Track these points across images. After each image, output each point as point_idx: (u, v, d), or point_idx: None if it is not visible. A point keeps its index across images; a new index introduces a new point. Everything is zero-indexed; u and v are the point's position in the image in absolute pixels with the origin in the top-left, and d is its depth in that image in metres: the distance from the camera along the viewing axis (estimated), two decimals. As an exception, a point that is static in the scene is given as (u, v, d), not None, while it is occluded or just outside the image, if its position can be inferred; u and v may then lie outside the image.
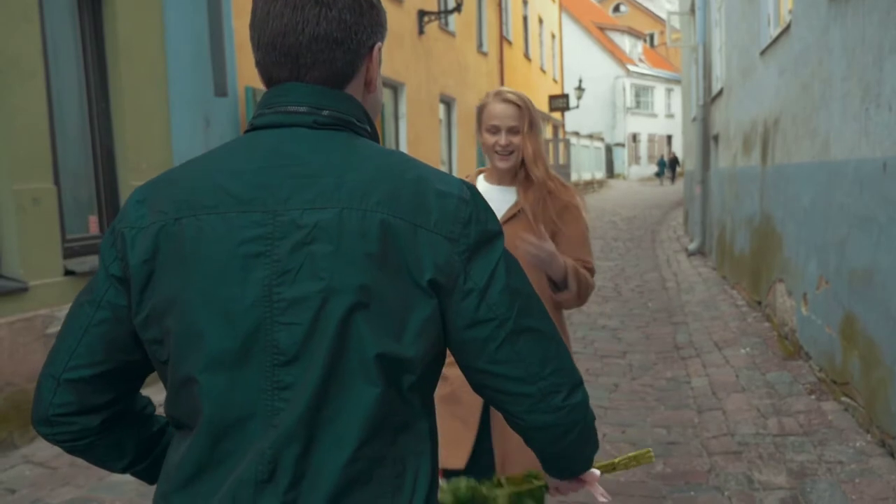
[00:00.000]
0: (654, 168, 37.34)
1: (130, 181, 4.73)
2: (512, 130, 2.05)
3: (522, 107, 2.05)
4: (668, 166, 33.71)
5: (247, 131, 0.99)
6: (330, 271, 0.88)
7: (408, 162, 0.97)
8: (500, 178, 2.14)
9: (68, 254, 4.30)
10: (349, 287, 0.88)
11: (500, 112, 2.06)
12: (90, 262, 4.39)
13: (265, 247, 0.89)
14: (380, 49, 1.02)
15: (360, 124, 0.99)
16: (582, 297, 2.01)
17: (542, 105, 22.98)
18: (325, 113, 0.96)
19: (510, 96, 2.06)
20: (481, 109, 2.11)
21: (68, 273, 4.21)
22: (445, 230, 0.91)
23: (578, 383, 1.00)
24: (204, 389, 0.91)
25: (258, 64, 0.99)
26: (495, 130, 2.06)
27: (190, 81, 5.27)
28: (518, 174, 2.10)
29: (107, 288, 0.97)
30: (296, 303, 0.88)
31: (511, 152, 2.06)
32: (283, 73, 0.97)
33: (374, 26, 1.00)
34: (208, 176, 0.95)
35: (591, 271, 2.07)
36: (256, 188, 0.92)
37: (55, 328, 4.07)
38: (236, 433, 0.91)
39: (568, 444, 1.03)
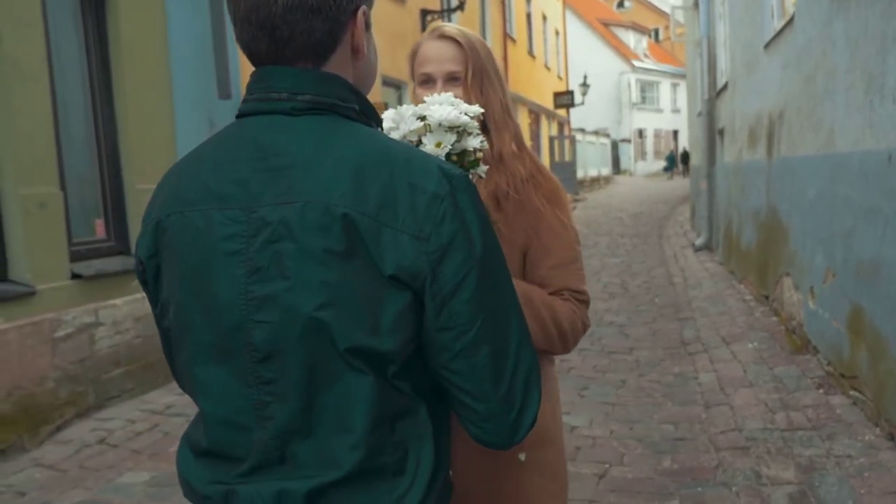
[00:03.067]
0: (660, 164, 37.24)
1: (136, 184, 4.75)
2: (451, 79, 1.45)
3: (465, 44, 1.44)
4: (681, 160, 33.63)
5: (237, 116, 0.97)
6: (294, 270, 0.86)
7: (385, 150, 0.90)
8: None
9: (75, 257, 4.33)
10: (313, 285, 0.86)
11: (435, 53, 1.45)
12: (97, 265, 4.42)
13: (241, 244, 0.89)
14: (364, 13, 0.97)
15: (346, 104, 0.94)
16: (558, 339, 1.39)
17: (547, 102, 22.95)
18: (304, 97, 0.92)
19: (449, 30, 1.47)
20: (413, 56, 1.51)
21: (75, 277, 4.23)
22: (414, 229, 0.85)
23: (531, 405, 0.94)
24: (198, 382, 0.95)
25: (238, 40, 0.95)
26: (428, 81, 1.47)
27: (193, 84, 5.29)
28: None
29: (147, 290, 1.04)
30: (266, 301, 0.88)
31: None
32: (261, 48, 0.93)
33: None
34: (195, 170, 0.96)
35: (584, 303, 1.44)
36: (233, 183, 0.91)
37: (63, 331, 4.09)
38: (234, 425, 0.93)
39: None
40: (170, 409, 4.33)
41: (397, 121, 1.24)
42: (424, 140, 1.23)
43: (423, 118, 1.23)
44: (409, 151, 0.92)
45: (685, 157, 33.37)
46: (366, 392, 0.88)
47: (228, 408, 0.93)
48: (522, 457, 1.41)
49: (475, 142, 1.25)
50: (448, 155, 1.22)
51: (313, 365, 0.88)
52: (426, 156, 0.93)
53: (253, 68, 0.98)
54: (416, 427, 0.93)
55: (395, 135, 1.23)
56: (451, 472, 1.03)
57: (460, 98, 1.36)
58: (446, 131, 1.22)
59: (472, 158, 1.27)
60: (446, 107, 1.24)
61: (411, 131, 1.22)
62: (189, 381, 0.98)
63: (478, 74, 1.45)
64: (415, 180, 0.88)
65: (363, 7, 0.96)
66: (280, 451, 0.91)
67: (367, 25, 0.99)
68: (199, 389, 0.95)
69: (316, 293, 0.86)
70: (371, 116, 0.98)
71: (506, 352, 0.91)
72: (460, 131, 1.23)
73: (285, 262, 0.87)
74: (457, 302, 0.87)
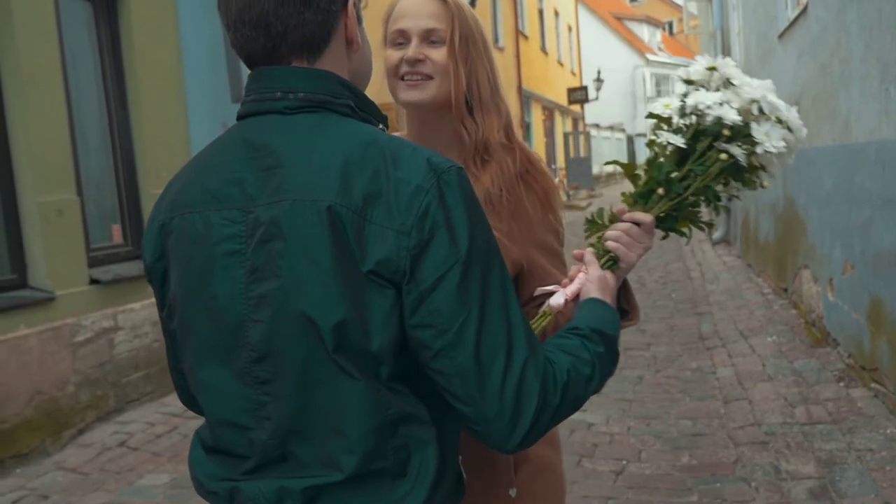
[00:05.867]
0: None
1: (151, 189, 4.80)
2: (430, 37, 1.22)
3: (450, 2, 1.23)
4: None
5: (237, 119, 0.99)
6: (285, 269, 0.87)
7: (373, 145, 0.89)
8: (420, 138, 1.28)
9: (93, 263, 4.38)
10: (303, 284, 0.86)
11: (412, 8, 1.23)
12: (115, 270, 4.47)
13: (239, 245, 0.90)
14: (355, 4, 0.98)
15: (339, 100, 0.94)
16: None
17: (560, 98, 22.85)
18: (297, 95, 0.93)
19: None
20: (387, 17, 1.28)
21: (93, 282, 4.29)
22: (396, 223, 0.84)
23: (526, 411, 0.88)
24: (199, 383, 0.97)
25: (233, 44, 0.96)
26: (401, 41, 1.24)
27: (207, 88, 5.33)
28: (453, 130, 1.25)
29: (154, 293, 1.05)
30: (262, 300, 0.89)
31: (429, 77, 1.22)
32: (257, 48, 0.94)
33: None
34: (195, 173, 0.98)
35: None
36: (229, 184, 0.92)
37: (82, 336, 4.15)
38: (234, 425, 0.94)
39: None
40: (188, 411, 4.36)
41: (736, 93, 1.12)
42: (755, 127, 1.11)
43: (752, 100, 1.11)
44: (398, 146, 0.90)
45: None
46: (357, 398, 0.88)
47: (228, 408, 0.94)
48: (513, 493, 1.29)
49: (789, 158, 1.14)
50: (751, 154, 1.10)
51: (306, 365, 0.88)
52: (416, 149, 0.91)
53: None
54: (419, 430, 0.91)
55: (730, 98, 1.11)
56: (464, 474, 1.01)
57: (439, 59, 1.20)
58: (779, 125, 1.12)
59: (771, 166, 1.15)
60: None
61: (744, 108, 1.11)
62: (193, 382, 0.99)
63: (464, 39, 1.22)
64: (401, 174, 0.87)
65: None
66: (280, 451, 0.92)
67: (359, 19, 1.00)
68: (201, 390, 0.97)
69: (305, 292, 0.86)
70: (369, 111, 0.98)
71: (493, 355, 0.87)
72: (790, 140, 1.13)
73: (277, 262, 0.88)
74: (435, 299, 0.85)
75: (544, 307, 1.14)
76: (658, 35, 41.16)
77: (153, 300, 4.57)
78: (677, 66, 39.74)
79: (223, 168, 0.94)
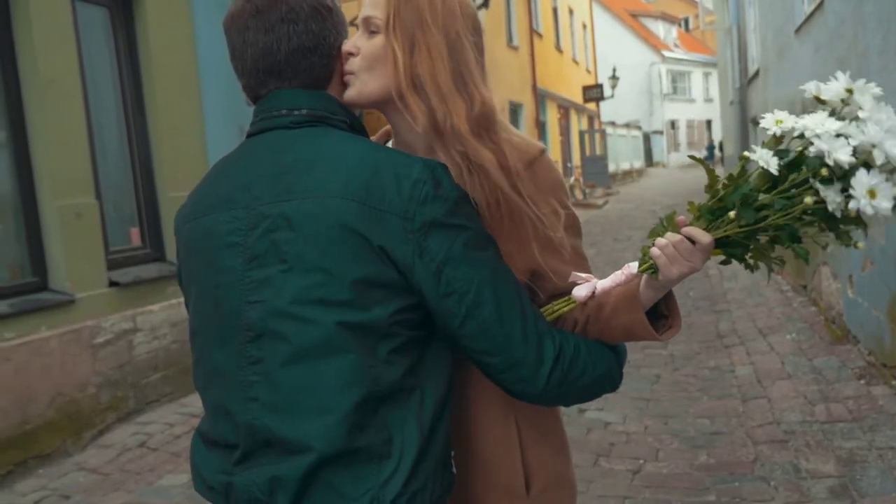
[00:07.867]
0: (697, 154, 36.63)
1: (169, 193, 4.84)
2: (369, 27, 1.10)
3: None
4: (719, 149, 33.04)
5: (246, 137, 1.10)
6: (291, 253, 0.96)
7: (370, 150, 1.01)
8: (395, 141, 1.19)
9: (112, 265, 4.43)
10: (309, 265, 0.95)
11: None
12: (133, 272, 4.52)
13: (240, 237, 1.00)
14: (343, 44, 1.11)
15: (336, 117, 1.07)
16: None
17: (576, 97, 22.76)
18: (301, 112, 1.05)
19: None
20: None
21: (112, 284, 4.33)
22: (400, 209, 0.96)
23: (547, 349, 1.02)
24: (205, 371, 1.05)
25: (245, 88, 1.11)
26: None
27: (223, 92, 5.36)
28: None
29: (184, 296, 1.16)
30: (262, 283, 0.98)
31: (351, 73, 1.10)
32: (270, 89, 1.08)
33: (338, 26, 1.09)
34: (210, 183, 1.11)
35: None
36: (238, 189, 1.03)
37: (102, 338, 4.19)
38: (226, 410, 1.01)
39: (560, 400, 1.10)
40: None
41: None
42: (857, 177, 0.92)
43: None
44: (393, 150, 1.04)
45: (722, 146, 32.78)
46: (348, 372, 0.94)
47: (223, 393, 1.01)
48: None
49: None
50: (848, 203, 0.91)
51: (301, 342, 0.95)
52: (408, 153, 1.04)
53: None
54: (401, 410, 0.97)
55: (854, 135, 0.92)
56: (454, 467, 1.06)
57: (373, 50, 1.08)
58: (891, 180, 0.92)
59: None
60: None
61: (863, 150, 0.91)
62: (198, 371, 1.07)
63: (406, 22, 1.06)
64: (398, 171, 0.98)
65: (345, 39, 1.11)
66: (265, 434, 0.96)
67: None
68: (205, 378, 1.04)
69: (311, 272, 0.95)
70: (359, 131, 1.10)
71: (510, 306, 1.00)
72: None
73: (283, 248, 0.97)
74: (449, 270, 0.97)
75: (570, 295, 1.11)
76: (674, 31, 40.88)
77: (171, 302, 4.64)
78: (694, 61, 39.63)
79: (233, 177, 1.05)
